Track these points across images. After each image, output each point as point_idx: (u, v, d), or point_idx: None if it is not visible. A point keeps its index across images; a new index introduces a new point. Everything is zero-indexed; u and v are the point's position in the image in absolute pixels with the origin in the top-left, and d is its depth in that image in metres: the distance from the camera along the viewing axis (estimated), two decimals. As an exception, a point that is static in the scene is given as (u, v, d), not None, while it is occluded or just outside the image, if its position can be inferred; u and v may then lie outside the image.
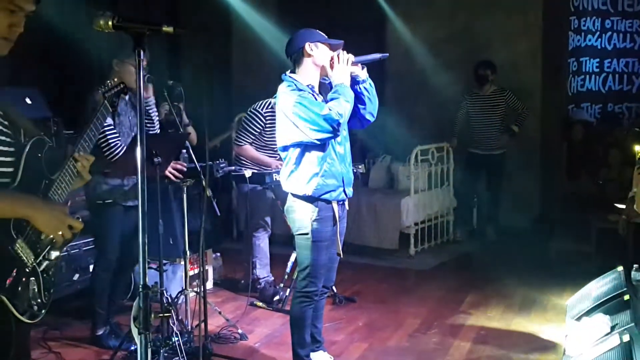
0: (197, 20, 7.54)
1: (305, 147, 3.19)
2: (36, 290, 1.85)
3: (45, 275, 1.90)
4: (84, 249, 4.48)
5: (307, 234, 3.25)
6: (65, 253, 4.35)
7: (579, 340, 3.20)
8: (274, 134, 4.74)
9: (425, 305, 4.79)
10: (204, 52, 6.88)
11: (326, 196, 3.22)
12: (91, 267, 4.50)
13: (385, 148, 7.26)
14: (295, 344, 3.42)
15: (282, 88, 3.26)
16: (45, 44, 5.52)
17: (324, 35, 3.31)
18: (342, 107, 3.08)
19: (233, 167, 4.75)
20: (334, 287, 4.83)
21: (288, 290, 4.71)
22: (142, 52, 1.81)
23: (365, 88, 3.30)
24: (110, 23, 1.82)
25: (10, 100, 4.32)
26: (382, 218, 6.17)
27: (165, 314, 1.82)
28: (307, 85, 3.24)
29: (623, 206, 4.66)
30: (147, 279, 1.66)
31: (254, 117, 4.74)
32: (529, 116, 6.67)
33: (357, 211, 6.06)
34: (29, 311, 1.83)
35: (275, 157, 4.85)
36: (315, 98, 3.21)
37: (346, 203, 3.42)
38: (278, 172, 4.62)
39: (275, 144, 4.78)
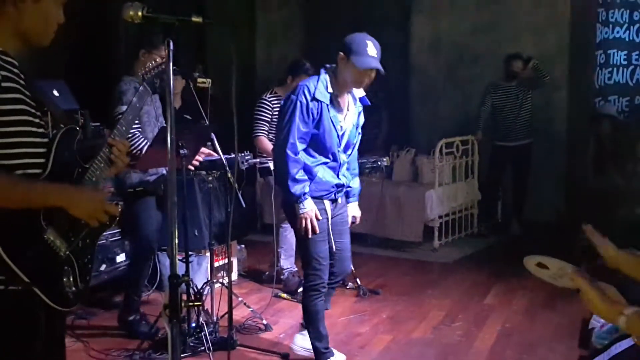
0: (222, 13, 7.57)
1: (304, 150, 3.24)
2: (71, 278, 1.86)
3: (80, 262, 1.91)
4: (111, 239, 4.53)
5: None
6: (94, 243, 4.42)
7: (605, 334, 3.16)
8: None
9: (450, 297, 4.78)
10: (229, 45, 6.90)
11: (316, 195, 3.29)
12: (118, 258, 4.57)
13: (409, 140, 7.24)
14: (312, 338, 3.47)
15: (307, 82, 3.26)
16: (72, 36, 5.58)
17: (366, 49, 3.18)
18: (295, 183, 3.15)
19: (258, 160, 4.79)
20: (358, 280, 4.85)
21: (312, 282, 4.72)
22: (171, 43, 1.84)
23: None
24: (140, 13, 1.85)
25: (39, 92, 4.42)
26: (406, 211, 6.15)
27: (196, 303, 1.84)
28: (331, 93, 3.23)
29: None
30: (176, 269, 1.68)
31: (262, 105, 4.85)
32: (547, 84, 6.57)
33: (381, 204, 6.05)
34: (63, 300, 1.84)
35: None
36: (328, 110, 3.20)
37: (340, 199, 3.44)
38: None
39: None
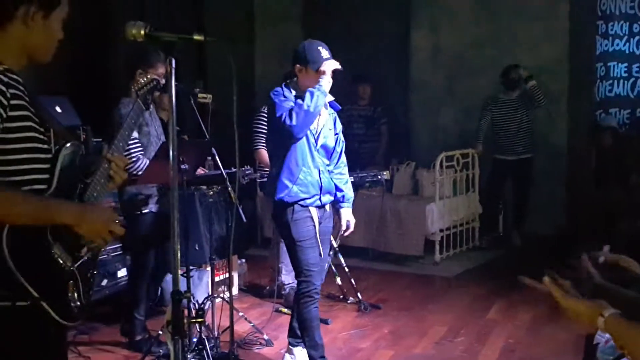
0: (221, 29, 7.60)
1: (285, 155, 3.33)
2: (76, 293, 1.87)
3: (83, 277, 1.92)
4: (113, 254, 4.52)
5: (289, 236, 3.38)
6: (95, 258, 4.41)
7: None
8: None
9: (452, 312, 4.75)
10: (228, 61, 6.95)
11: (301, 202, 3.36)
12: (119, 273, 4.56)
13: (409, 154, 7.25)
14: (307, 347, 3.48)
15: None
16: (74, 53, 5.60)
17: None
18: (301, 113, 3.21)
19: (258, 174, 4.79)
20: (359, 294, 4.83)
21: (313, 296, 4.70)
22: (173, 61, 1.84)
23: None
24: (142, 32, 1.86)
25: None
26: (407, 224, 6.14)
27: (198, 320, 1.82)
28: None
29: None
30: (179, 285, 1.67)
31: (260, 118, 4.89)
32: (543, 101, 6.58)
33: (382, 217, 6.04)
34: (68, 314, 1.85)
35: None
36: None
37: (327, 207, 3.52)
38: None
39: None
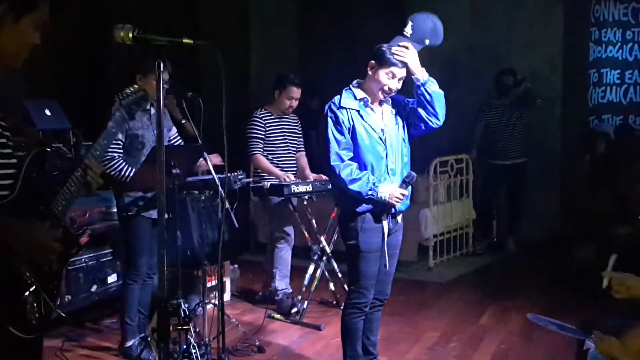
0: (216, 33, 7.60)
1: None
2: (35, 304, 1.82)
3: (45, 288, 1.87)
4: (102, 260, 4.50)
5: (355, 244, 3.24)
6: (84, 264, 4.38)
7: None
8: (277, 136, 4.81)
9: (445, 318, 4.74)
10: (223, 66, 6.96)
11: (374, 212, 3.21)
12: (109, 278, 4.53)
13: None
14: (346, 356, 3.39)
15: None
16: (67, 56, 5.60)
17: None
18: (354, 184, 3.11)
19: (251, 179, 4.77)
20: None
21: (306, 302, 4.68)
22: (162, 64, 1.83)
23: (422, 93, 3.21)
24: (130, 35, 1.84)
25: (30, 111, 4.40)
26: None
27: (184, 327, 1.80)
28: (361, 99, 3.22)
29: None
30: (164, 292, 1.65)
31: (254, 122, 4.82)
32: (538, 106, 6.57)
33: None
34: (26, 327, 1.80)
35: (291, 161, 4.88)
36: (360, 116, 3.19)
37: (398, 217, 3.36)
38: (296, 184, 4.65)
39: (285, 148, 4.85)
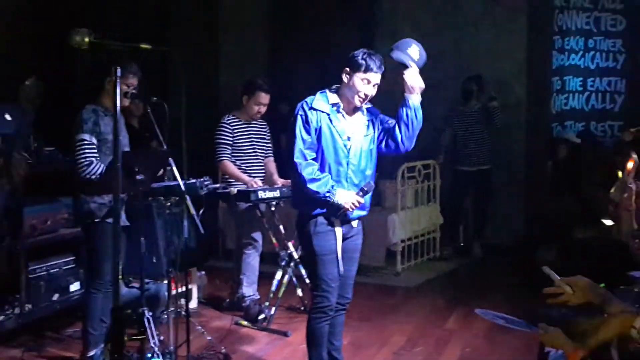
0: (185, 39, 7.55)
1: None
2: None
3: None
4: (64, 267, 4.42)
5: (310, 248, 3.28)
6: (45, 272, 4.30)
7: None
8: (244, 142, 4.80)
9: (411, 322, 4.77)
10: (191, 70, 6.92)
11: (324, 214, 3.24)
12: (71, 286, 4.45)
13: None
14: None
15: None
16: (29, 61, 5.50)
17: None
18: (313, 183, 3.15)
19: (218, 185, 4.74)
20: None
21: (273, 309, 4.67)
22: (119, 69, 1.82)
23: (408, 114, 3.29)
24: (86, 39, 1.83)
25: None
26: (369, 235, 6.03)
27: (139, 337, 1.78)
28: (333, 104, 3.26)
29: (610, 222, 4.67)
30: (118, 301, 1.63)
31: (221, 128, 4.80)
32: (499, 124, 6.70)
33: (343, 229, 6.03)
34: None
35: (259, 167, 4.87)
36: (330, 120, 3.22)
37: (354, 223, 3.39)
38: (264, 190, 4.65)
39: (253, 154, 4.84)
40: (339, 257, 3.29)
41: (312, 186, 3.15)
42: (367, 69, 3.21)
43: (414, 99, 3.30)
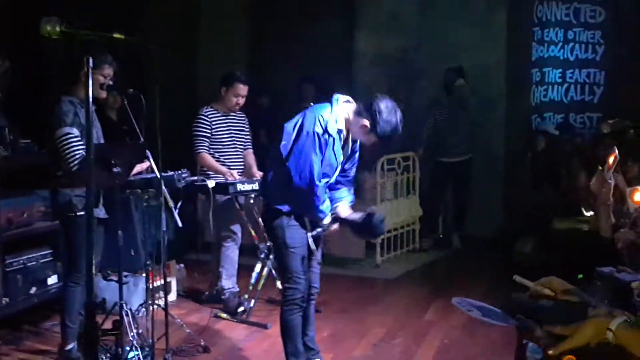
0: (163, 32, 7.46)
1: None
2: None
3: None
4: (42, 261, 4.36)
5: (282, 240, 3.39)
6: (22, 265, 4.24)
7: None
8: (223, 134, 4.77)
9: (391, 314, 4.78)
10: (170, 66, 6.85)
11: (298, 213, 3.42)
12: (49, 280, 4.40)
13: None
14: (288, 353, 3.44)
15: (321, 111, 3.37)
16: (4, 53, 5.39)
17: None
18: (324, 204, 3.36)
19: (195, 177, 4.70)
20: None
21: (253, 301, 4.66)
22: (91, 60, 1.78)
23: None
24: (57, 29, 1.79)
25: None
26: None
27: (113, 332, 1.75)
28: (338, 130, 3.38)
29: (590, 213, 4.71)
30: (93, 295, 1.60)
31: (199, 120, 4.78)
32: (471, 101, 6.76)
33: (324, 220, 6.03)
34: None
35: (238, 160, 4.84)
36: (334, 144, 3.34)
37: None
38: (242, 182, 4.62)
39: (232, 146, 4.81)
40: (311, 246, 3.45)
41: (322, 207, 3.36)
42: (379, 135, 3.33)
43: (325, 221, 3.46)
